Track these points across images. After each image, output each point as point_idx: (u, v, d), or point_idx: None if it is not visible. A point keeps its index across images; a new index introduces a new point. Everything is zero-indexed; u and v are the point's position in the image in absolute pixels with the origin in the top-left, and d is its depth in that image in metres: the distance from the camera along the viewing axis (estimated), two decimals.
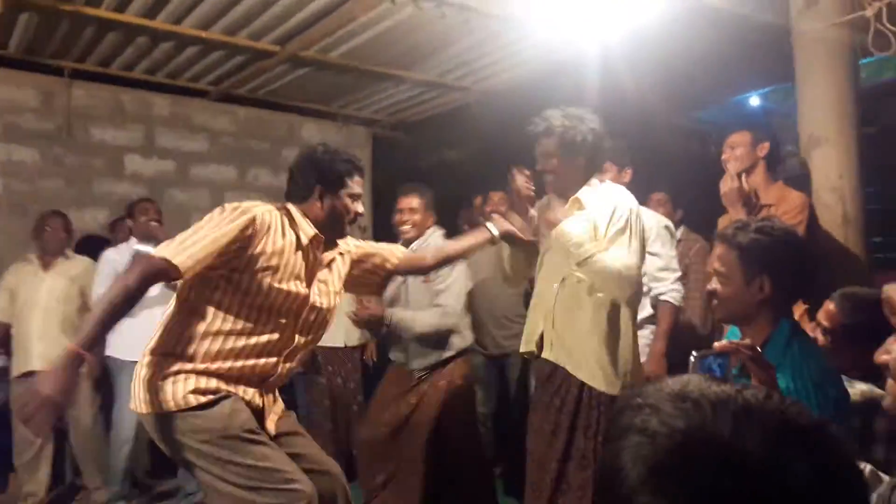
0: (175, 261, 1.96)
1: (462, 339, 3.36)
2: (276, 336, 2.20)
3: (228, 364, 2.14)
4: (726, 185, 2.83)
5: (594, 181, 2.56)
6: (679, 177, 4.48)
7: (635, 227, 2.47)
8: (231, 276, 2.12)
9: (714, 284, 1.81)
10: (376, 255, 2.60)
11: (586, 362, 2.46)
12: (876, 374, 1.76)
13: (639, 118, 4.85)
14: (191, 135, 5.48)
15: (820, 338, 2.16)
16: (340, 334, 4.59)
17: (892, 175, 5.85)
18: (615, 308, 2.48)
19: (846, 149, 3.05)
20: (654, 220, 3.34)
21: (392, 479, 3.30)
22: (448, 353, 3.30)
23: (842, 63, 3.06)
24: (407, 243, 3.29)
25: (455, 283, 3.29)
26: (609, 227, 2.43)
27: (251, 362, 2.17)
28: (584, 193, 2.52)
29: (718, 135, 3.18)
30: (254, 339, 2.17)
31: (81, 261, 4.08)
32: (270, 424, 2.27)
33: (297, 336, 2.27)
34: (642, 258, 2.52)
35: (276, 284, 2.17)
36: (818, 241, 2.92)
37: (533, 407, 2.61)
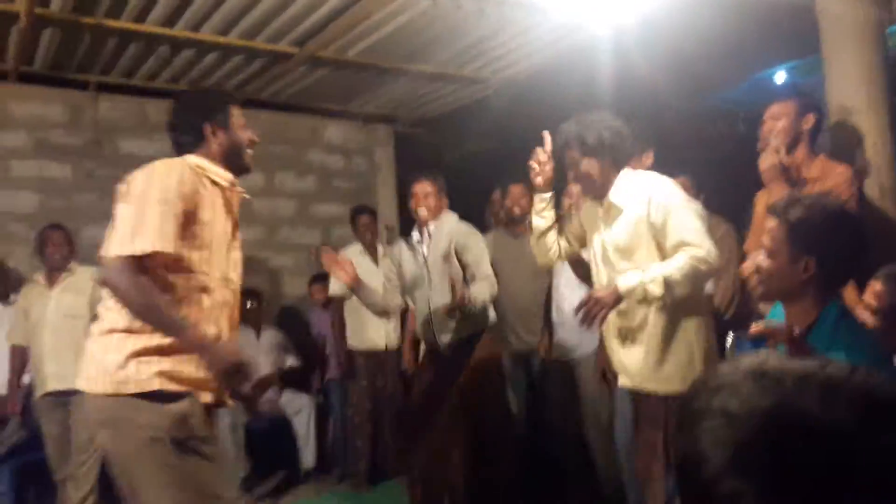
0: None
1: (485, 316, 3.46)
2: (218, 297, 2.16)
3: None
4: (766, 161, 2.66)
5: (623, 178, 2.62)
6: (703, 159, 4.41)
7: (682, 203, 2.51)
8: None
9: (760, 258, 1.77)
10: None
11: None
12: None
13: (656, 101, 4.79)
14: None
15: (868, 318, 2.09)
16: (381, 337, 4.61)
17: None
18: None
19: (877, 118, 2.97)
20: None
21: (430, 453, 3.41)
22: (474, 329, 3.41)
23: (868, 33, 2.99)
24: (422, 225, 3.55)
25: (483, 252, 3.45)
26: (652, 220, 2.50)
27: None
28: (615, 195, 2.60)
29: (746, 113, 3.11)
30: (204, 301, 2.11)
31: (86, 271, 3.95)
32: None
33: (229, 294, 2.24)
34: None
35: (212, 238, 2.15)
36: (870, 216, 2.81)
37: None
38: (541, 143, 2.76)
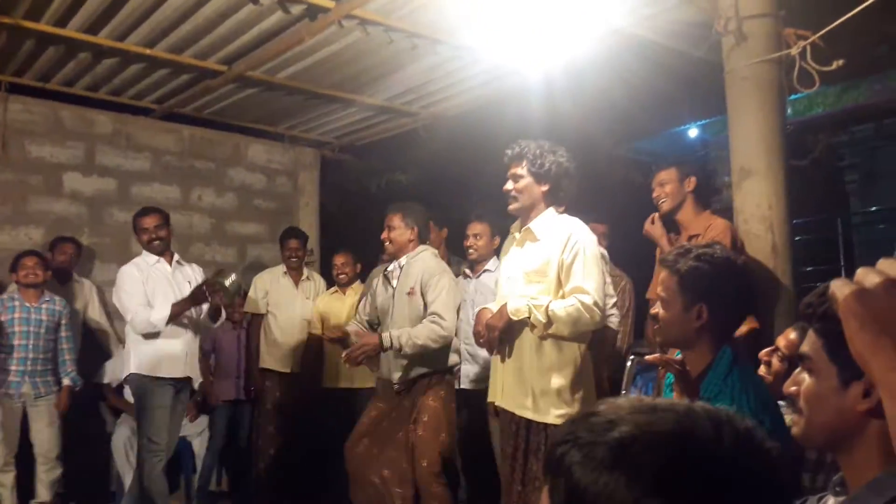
0: None
1: (445, 357, 3.43)
2: None
3: None
4: (647, 226, 3.10)
5: (550, 212, 2.77)
6: (618, 206, 4.60)
7: (593, 253, 2.69)
8: None
9: (656, 308, 1.85)
10: None
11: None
12: None
13: (580, 147, 4.98)
14: (133, 153, 5.37)
15: (775, 363, 2.24)
16: (297, 357, 4.58)
17: (822, 206, 6.13)
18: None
19: (774, 180, 3.18)
20: None
21: (379, 487, 3.38)
22: (421, 371, 3.37)
23: (770, 98, 3.21)
24: (391, 259, 3.61)
25: (444, 292, 3.35)
26: (563, 258, 2.65)
27: None
28: (537, 224, 2.75)
29: (658, 165, 3.30)
30: None
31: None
32: None
33: None
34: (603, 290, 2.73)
35: None
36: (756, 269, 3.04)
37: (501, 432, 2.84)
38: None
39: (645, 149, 6.55)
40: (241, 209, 5.85)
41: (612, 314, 3.43)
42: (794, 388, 1.13)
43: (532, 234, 2.77)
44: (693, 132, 6.42)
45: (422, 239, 3.54)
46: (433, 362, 3.39)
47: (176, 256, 4.08)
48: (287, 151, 6.08)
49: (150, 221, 3.93)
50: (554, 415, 2.60)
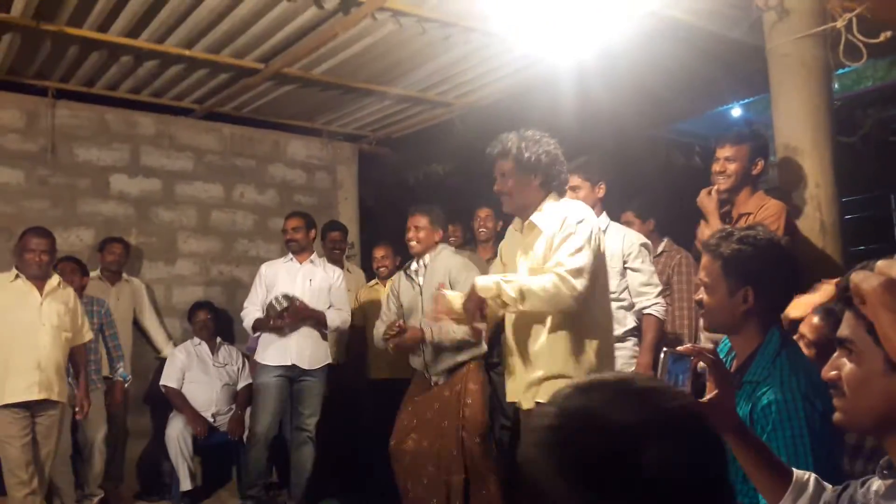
0: None
1: (477, 346, 3.55)
2: None
3: None
4: (703, 197, 2.92)
5: (549, 202, 2.62)
6: (659, 188, 4.53)
7: (586, 235, 2.49)
8: None
9: (700, 294, 1.81)
10: None
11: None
12: None
13: (615, 132, 4.91)
14: (176, 153, 5.48)
15: (802, 349, 2.17)
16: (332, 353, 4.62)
17: (873, 183, 5.93)
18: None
19: (821, 158, 3.09)
20: (634, 237, 3.39)
21: (434, 478, 3.49)
22: (462, 358, 3.54)
23: (815, 74, 3.12)
24: (416, 257, 3.75)
25: None
26: (554, 239, 2.52)
27: None
28: (537, 217, 2.61)
29: (702, 145, 3.23)
30: None
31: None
32: None
33: None
34: (596, 272, 2.52)
35: None
36: (795, 249, 2.95)
37: None
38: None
39: (687, 130, 6.43)
40: (282, 205, 5.93)
41: (658, 303, 3.35)
42: (834, 373, 1.09)
43: (536, 227, 2.61)
44: (736, 112, 6.27)
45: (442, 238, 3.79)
46: (470, 351, 3.55)
47: (312, 255, 4.50)
48: (325, 146, 6.13)
49: (291, 223, 4.45)
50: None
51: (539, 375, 2.54)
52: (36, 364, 3.60)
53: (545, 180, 2.62)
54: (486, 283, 2.49)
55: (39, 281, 3.76)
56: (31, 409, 3.63)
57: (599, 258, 2.57)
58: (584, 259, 2.45)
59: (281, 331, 4.25)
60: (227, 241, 5.67)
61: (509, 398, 2.75)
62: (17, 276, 3.75)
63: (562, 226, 2.51)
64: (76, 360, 3.92)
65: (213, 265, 5.57)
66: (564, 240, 2.48)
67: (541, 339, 2.56)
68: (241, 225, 5.74)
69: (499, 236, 4.16)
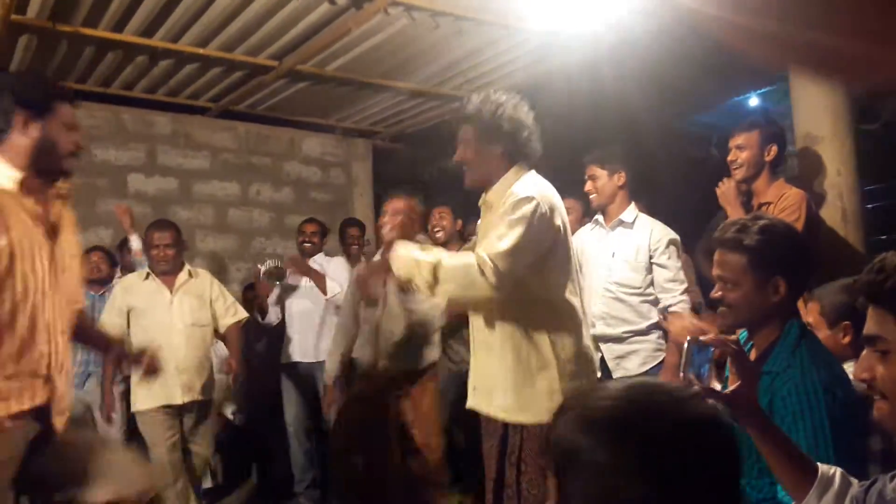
0: None
1: (432, 353, 3.48)
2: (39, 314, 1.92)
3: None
4: (722, 187, 2.86)
5: (511, 173, 2.29)
6: (676, 180, 4.48)
7: (526, 213, 2.13)
8: None
9: (720, 291, 1.73)
10: None
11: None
12: None
13: (630, 123, 4.86)
14: (192, 152, 5.52)
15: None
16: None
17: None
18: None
19: (842, 146, 3.05)
20: (663, 233, 3.27)
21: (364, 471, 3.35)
22: (420, 365, 3.41)
23: None
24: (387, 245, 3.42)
25: None
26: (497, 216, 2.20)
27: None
28: (494, 192, 2.31)
29: (719, 137, 3.18)
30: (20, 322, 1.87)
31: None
32: (58, 422, 1.97)
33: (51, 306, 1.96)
34: (542, 253, 2.20)
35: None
36: (817, 238, 2.90)
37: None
38: None
39: (704, 122, 6.36)
40: (298, 202, 5.95)
41: (683, 300, 3.26)
42: (866, 374, 1.05)
43: (489, 203, 2.31)
44: (753, 101, 6.19)
45: None
46: (424, 358, 3.50)
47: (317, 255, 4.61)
48: (340, 143, 6.14)
49: (309, 227, 4.64)
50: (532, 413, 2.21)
51: (496, 380, 2.28)
52: (174, 366, 3.47)
53: (508, 149, 2.26)
54: (405, 254, 2.16)
55: (170, 276, 3.70)
56: (177, 409, 3.61)
57: (550, 239, 2.21)
58: (513, 240, 2.09)
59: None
60: (245, 238, 5.70)
61: (469, 404, 2.44)
62: (147, 275, 3.71)
63: (503, 202, 2.19)
64: (231, 342, 3.86)
65: (231, 263, 5.61)
66: (501, 218, 2.15)
67: (496, 333, 2.27)
68: (257, 222, 5.77)
69: (460, 237, 4.11)
